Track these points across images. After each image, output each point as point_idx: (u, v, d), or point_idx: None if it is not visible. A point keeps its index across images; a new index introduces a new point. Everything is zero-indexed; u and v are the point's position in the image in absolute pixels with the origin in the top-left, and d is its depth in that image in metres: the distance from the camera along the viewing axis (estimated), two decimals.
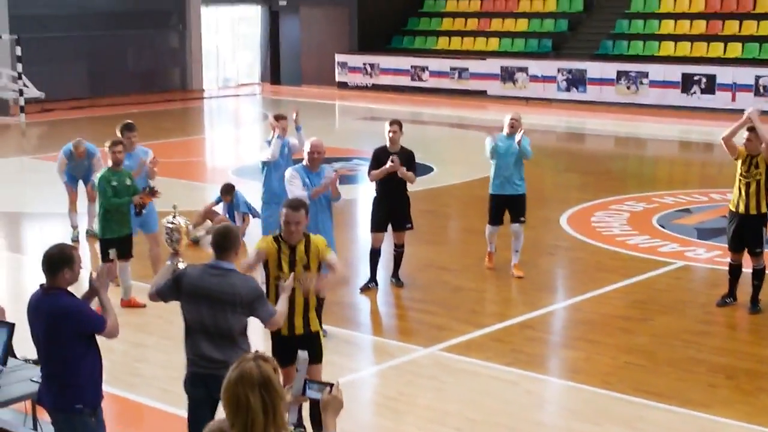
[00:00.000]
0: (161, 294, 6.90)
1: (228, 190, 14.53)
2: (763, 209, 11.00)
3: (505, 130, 12.28)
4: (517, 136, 12.13)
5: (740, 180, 11.01)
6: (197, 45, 37.30)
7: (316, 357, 7.46)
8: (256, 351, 4.29)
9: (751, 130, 10.86)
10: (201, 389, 6.74)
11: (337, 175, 10.29)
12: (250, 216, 14.29)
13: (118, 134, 12.17)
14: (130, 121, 12.55)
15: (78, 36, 33.87)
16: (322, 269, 7.65)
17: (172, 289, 6.82)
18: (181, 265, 7.09)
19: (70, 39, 33.59)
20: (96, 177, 14.42)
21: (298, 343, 6.92)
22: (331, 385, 4.63)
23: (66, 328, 6.25)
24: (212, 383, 6.54)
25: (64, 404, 6.36)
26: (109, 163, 11.38)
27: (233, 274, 6.74)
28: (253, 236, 12.16)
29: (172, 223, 7.36)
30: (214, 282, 6.67)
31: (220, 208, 14.69)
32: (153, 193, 11.34)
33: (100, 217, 11.39)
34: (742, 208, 11.02)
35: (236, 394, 4.12)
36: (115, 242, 11.22)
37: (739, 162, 11.00)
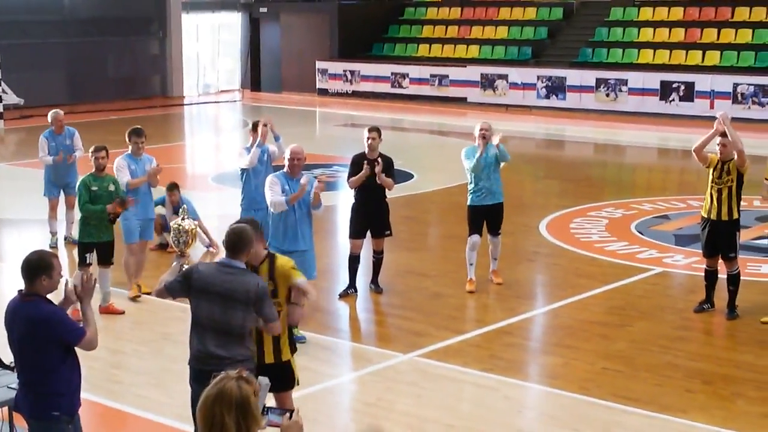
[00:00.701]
0: (170, 290, 6.98)
1: (173, 187, 14.08)
2: (735, 215, 11.08)
3: (477, 142, 12.00)
4: (495, 140, 11.94)
5: (712, 186, 11.09)
6: (177, 52, 37.24)
7: (287, 385, 7.38)
8: (240, 370, 4.27)
9: (725, 135, 10.95)
10: (204, 386, 6.70)
11: (323, 187, 10.31)
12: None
13: (126, 139, 11.98)
14: (138, 126, 12.22)
15: (58, 42, 33.77)
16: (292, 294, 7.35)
17: (182, 284, 6.91)
18: (186, 267, 7.16)
19: (50, 45, 33.49)
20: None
21: (268, 371, 6.65)
22: (292, 411, 4.64)
23: (44, 335, 6.21)
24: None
25: (41, 411, 6.32)
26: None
27: (246, 273, 6.86)
28: None
29: (180, 225, 7.40)
30: (227, 280, 6.76)
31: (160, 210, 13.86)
32: (123, 203, 11.18)
33: (79, 221, 11.33)
34: (714, 215, 11.10)
35: (212, 412, 4.09)
36: (93, 247, 11.19)
37: (711, 169, 11.09)
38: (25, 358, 6.31)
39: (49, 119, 14.46)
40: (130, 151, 11.95)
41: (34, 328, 6.20)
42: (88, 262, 11.18)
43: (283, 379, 7.27)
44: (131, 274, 12.01)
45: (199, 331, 6.86)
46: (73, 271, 12.43)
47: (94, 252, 11.25)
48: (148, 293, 11.82)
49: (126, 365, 9.99)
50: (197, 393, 6.77)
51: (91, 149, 11.42)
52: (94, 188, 11.15)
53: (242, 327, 6.77)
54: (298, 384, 7.63)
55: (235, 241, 6.85)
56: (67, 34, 34.07)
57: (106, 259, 11.31)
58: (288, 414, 4.62)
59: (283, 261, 7.36)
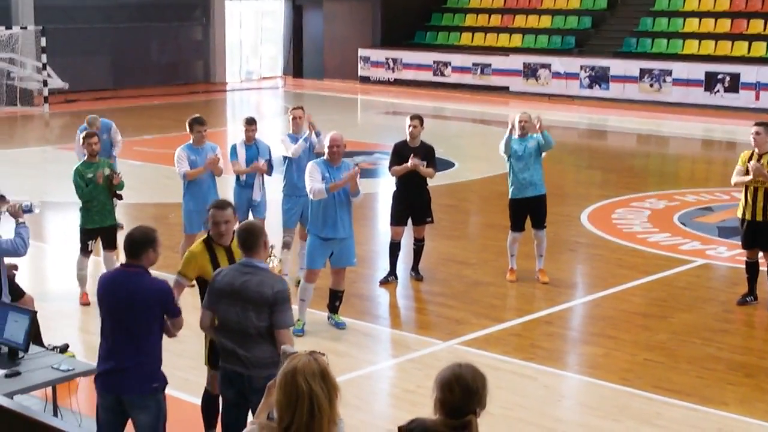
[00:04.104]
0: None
1: (251, 121, 12.40)
2: None
3: (516, 133, 11.83)
4: (538, 128, 11.68)
5: (747, 186, 10.91)
6: (221, 38, 37.44)
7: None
8: (311, 351, 4.25)
9: (760, 124, 10.80)
10: (231, 390, 6.65)
11: (358, 171, 10.24)
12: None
13: (188, 129, 11.72)
14: (199, 115, 11.89)
15: (102, 27, 34.06)
16: None
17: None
18: None
19: (95, 30, 33.78)
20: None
21: None
22: None
23: (150, 306, 6.34)
24: (238, 382, 6.55)
25: (143, 384, 6.40)
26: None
27: (263, 273, 6.61)
28: (273, 226, 12.15)
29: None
30: (245, 280, 6.54)
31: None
32: (112, 177, 11.06)
33: (81, 209, 11.21)
34: (749, 215, 10.93)
35: (296, 383, 4.06)
36: (98, 233, 11.17)
37: (745, 167, 10.80)
38: (125, 329, 6.35)
39: (86, 124, 14.26)
40: (192, 141, 11.69)
41: (143, 300, 6.32)
42: (90, 249, 11.15)
43: None
44: None
45: (223, 333, 6.66)
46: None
47: (98, 239, 11.22)
48: None
49: (167, 348, 10.02)
50: (224, 396, 6.67)
51: (83, 135, 11.37)
52: (90, 175, 11.02)
53: (259, 328, 6.49)
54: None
55: (245, 238, 6.62)
56: (111, 19, 34.34)
57: (111, 244, 11.21)
58: None
59: None
